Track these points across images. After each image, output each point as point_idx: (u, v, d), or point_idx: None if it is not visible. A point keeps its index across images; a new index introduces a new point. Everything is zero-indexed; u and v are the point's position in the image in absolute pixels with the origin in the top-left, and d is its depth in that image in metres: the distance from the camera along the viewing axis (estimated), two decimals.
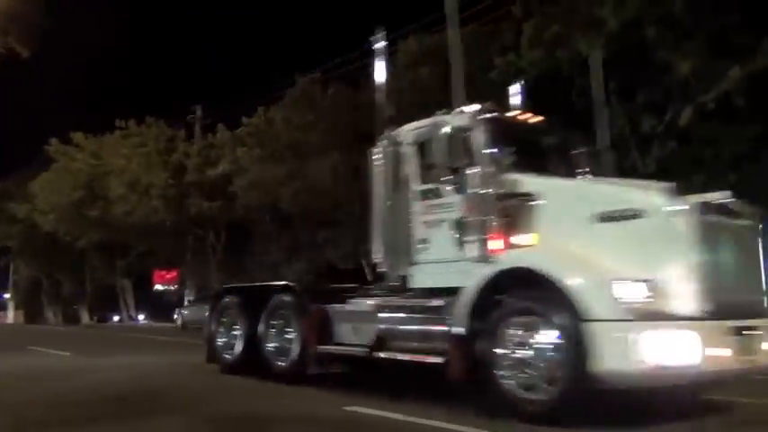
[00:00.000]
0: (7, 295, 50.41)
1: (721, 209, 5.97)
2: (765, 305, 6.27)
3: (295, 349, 8.71)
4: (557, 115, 8.64)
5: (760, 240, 6.35)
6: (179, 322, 30.62)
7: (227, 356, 10.00)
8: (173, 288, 39.09)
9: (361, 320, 8.00)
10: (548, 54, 15.94)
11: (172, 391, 8.72)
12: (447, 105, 19.47)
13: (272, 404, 7.42)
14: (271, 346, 9.16)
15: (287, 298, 9.08)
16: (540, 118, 7.78)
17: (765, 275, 6.27)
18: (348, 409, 6.84)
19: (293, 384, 8.60)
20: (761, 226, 6.42)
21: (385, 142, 8.12)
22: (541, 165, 7.32)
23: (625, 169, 15.87)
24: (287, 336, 8.94)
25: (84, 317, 42.17)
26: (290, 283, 9.38)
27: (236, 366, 9.67)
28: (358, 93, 23.70)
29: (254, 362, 9.38)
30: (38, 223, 34.33)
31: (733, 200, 6.07)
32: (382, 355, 7.49)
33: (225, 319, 10.20)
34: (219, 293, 10.97)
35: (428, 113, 20.28)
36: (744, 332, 5.69)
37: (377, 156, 8.23)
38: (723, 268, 5.90)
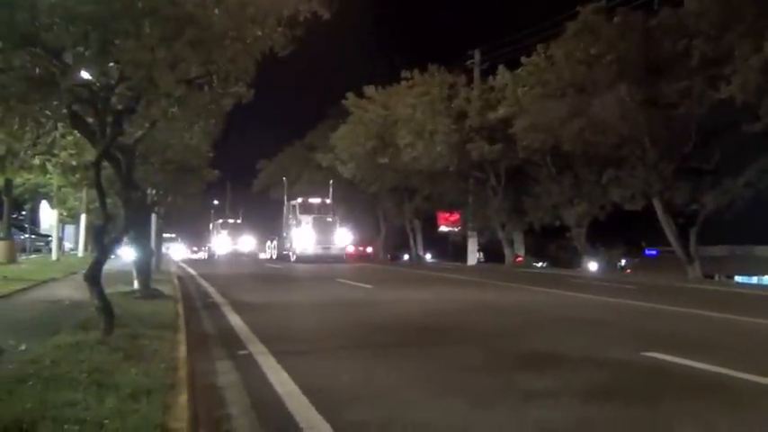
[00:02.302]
0: None
1: None
2: None
3: None
4: None
5: None
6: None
7: None
8: (456, 229, 40.83)
9: None
10: None
11: (464, 326, 9.21)
12: (765, 24, 16.87)
13: (561, 345, 7.37)
14: None
15: None
16: None
17: None
18: (648, 354, 6.50)
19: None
20: None
21: None
22: None
23: None
24: None
25: (380, 255, 46.31)
26: None
27: None
28: (649, 17, 21.54)
29: None
30: (338, 171, 38.17)
31: None
32: None
33: None
34: None
35: (737, 34, 17.68)
36: None
37: None
38: None
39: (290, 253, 34.43)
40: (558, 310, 11.35)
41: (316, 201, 36.28)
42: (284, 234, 37.15)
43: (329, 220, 34.58)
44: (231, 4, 5.90)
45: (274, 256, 38.93)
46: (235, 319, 9.27)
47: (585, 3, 22.77)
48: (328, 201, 36.80)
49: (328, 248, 33.44)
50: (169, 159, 13.60)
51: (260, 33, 6.55)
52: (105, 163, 7.66)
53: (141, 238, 11.86)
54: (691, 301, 12.76)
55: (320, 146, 41.41)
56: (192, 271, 23.40)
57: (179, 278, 18.08)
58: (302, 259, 32.37)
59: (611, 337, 7.98)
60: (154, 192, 15.42)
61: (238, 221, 56.37)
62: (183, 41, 5.23)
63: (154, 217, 16.18)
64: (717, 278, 26.31)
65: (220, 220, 55.26)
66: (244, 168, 62.98)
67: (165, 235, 47.98)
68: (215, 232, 54.38)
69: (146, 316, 8.01)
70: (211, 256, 50.25)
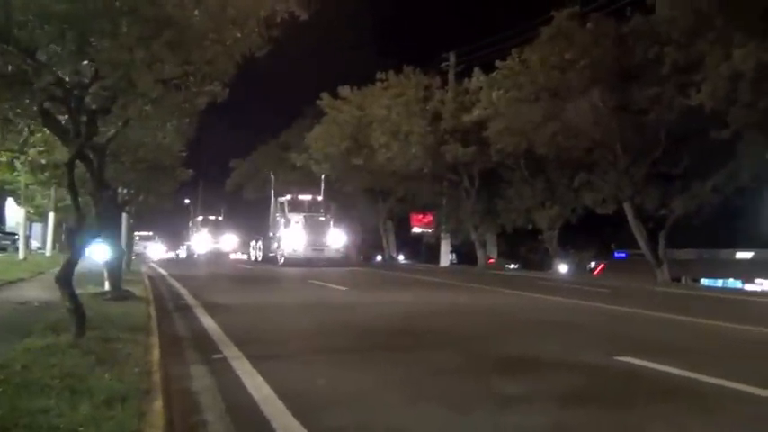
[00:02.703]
0: None
1: None
2: None
3: None
4: None
5: None
6: None
7: None
8: (429, 231, 40.95)
9: None
10: None
11: (438, 329, 9.24)
12: (733, 32, 17.21)
13: (535, 349, 7.45)
14: None
15: None
16: None
17: None
18: (620, 359, 6.59)
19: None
20: None
21: None
22: None
23: None
24: None
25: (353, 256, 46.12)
26: None
27: None
28: (621, 24, 21.89)
29: None
30: (313, 171, 37.95)
31: None
32: None
33: None
34: None
35: (707, 42, 17.88)
36: None
37: None
38: None
39: (278, 255, 30.78)
40: (530, 313, 11.47)
41: (306, 198, 32.77)
42: (270, 234, 33.37)
43: (322, 219, 31.40)
44: (211, 6, 5.85)
45: (260, 258, 34.87)
46: (208, 322, 9.18)
47: (560, 8, 23.04)
48: (320, 198, 33.32)
49: (321, 250, 29.75)
50: (141, 158, 13.43)
51: (239, 35, 6.49)
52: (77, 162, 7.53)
53: (112, 238, 11.68)
54: (661, 305, 12.98)
55: (295, 145, 41.14)
56: (163, 271, 23.09)
57: (150, 278, 17.85)
58: (291, 262, 29.04)
59: (584, 341, 8.09)
60: (125, 191, 15.22)
61: (220, 218, 52.56)
62: (161, 42, 5.16)
63: (125, 216, 15.95)
64: (683, 281, 26.79)
65: (200, 218, 52.04)
66: (216, 167, 61.48)
67: (141, 234, 45.89)
68: (194, 230, 51.35)
69: (117, 318, 7.88)
70: (190, 255, 48.42)
